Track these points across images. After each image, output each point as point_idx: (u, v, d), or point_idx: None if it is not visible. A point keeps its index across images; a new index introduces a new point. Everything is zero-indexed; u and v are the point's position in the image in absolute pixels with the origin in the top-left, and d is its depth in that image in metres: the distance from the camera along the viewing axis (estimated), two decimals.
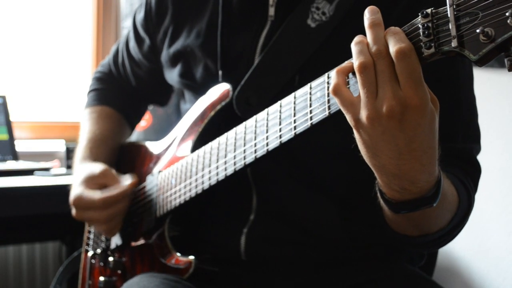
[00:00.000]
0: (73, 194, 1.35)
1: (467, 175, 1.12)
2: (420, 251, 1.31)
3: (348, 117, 0.85)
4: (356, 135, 0.86)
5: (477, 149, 1.17)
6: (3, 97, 2.56)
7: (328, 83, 0.93)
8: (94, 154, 1.47)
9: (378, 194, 0.95)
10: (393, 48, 0.81)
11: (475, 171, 1.16)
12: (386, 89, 0.81)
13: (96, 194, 1.32)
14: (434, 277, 1.36)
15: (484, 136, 1.19)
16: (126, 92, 1.61)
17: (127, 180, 1.35)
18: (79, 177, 1.37)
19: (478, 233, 2.22)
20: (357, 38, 0.85)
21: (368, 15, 0.84)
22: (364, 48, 0.83)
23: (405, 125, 0.81)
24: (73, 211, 1.37)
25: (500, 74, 2.22)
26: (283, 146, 1.01)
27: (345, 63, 0.88)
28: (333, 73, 0.88)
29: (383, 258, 1.22)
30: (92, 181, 1.35)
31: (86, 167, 1.40)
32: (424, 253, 1.30)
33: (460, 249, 2.30)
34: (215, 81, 1.26)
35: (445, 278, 2.31)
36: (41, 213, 2.14)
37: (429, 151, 0.85)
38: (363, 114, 0.83)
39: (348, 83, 0.87)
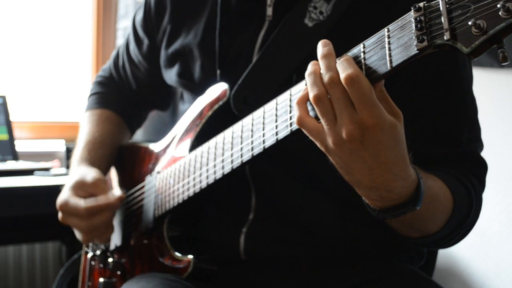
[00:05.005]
0: (61, 198, 1.35)
1: (470, 174, 1.12)
2: (430, 249, 1.33)
3: (318, 144, 0.90)
4: (329, 157, 0.91)
5: (480, 145, 1.19)
6: (3, 97, 2.57)
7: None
8: (92, 157, 1.46)
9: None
10: (342, 75, 0.85)
11: (480, 168, 1.17)
12: (343, 115, 0.85)
13: (81, 202, 1.31)
14: (434, 277, 1.36)
15: (484, 136, 1.20)
16: (127, 96, 1.61)
17: (114, 193, 1.34)
18: (70, 181, 1.37)
19: (478, 233, 2.22)
20: (309, 68, 0.90)
21: (320, 47, 0.89)
22: (317, 79, 0.88)
23: (367, 144, 0.85)
24: (59, 215, 1.36)
25: (500, 74, 2.22)
26: (279, 143, 1.02)
27: (303, 92, 0.92)
28: (293, 105, 0.93)
29: (383, 258, 1.22)
30: (81, 188, 1.34)
31: (80, 171, 1.39)
32: (424, 253, 1.30)
33: (460, 249, 2.30)
34: (213, 81, 1.26)
35: (445, 278, 2.31)
36: (41, 213, 2.14)
37: (397, 160, 0.88)
38: (329, 140, 0.87)
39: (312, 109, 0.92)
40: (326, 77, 0.86)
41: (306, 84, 0.91)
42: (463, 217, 1.09)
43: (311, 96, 0.88)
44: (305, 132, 0.91)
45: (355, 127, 0.84)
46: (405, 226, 1.05)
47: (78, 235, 1.38)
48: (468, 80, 1.18)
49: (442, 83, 1.14)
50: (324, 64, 0.87)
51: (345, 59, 0.86)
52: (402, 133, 0.88)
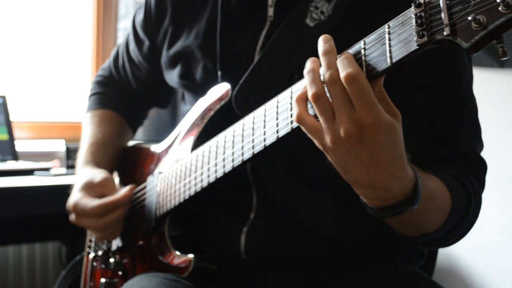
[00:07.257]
0: (72, 199, 1.36)
1: (469, 174, 1.13)
2: (429, 248, 1.33)
3: (316, 142, 0.90)
4: (326, 155, 0.91)
5: (480, 146, 1.19)
6: (3, 97, 2.57)
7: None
8: (96, 158, 1.47)
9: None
10: (342, 73, 0.85)
11: (480, 168, 1.17)
12: (341, 113, 0.85)
13: (94, 202, 1.32)
14: (434, 277, 1.36)
15: (484, 136, 1.20)
16: (127, 95, 1.62)
17: (124, 189, 1.35)
18: (79, 183, 1.38)
19: (478, 233, 2.22)
20: (308, 66, 0.90)
21: (321, 43, 0.89)
22: (316, 77, 0.88)
23: (365, 143, 0.86)
24: (71, 217, 1.37)
25: (500, 74, 2.22)
26: (280, 141, 1.02)
27: (302, 89, 0.92)
28: (293, 103, 0.93)
29: (383, 258, 1.23)
30: (91, 189, 1.35)
31: (87, 173, 1.40)
32: (424, 253, 1.30)
33: (460, 249, 2.30)
34: (214, 82, 1.27)
35: (445, 278, 2.31)
36: (41, 213, 2.14)
37: (395, 160, 0.89)
38: (327, 138, 0.88)
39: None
40: (326, 75, 0.86)
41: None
42: (461, 216, 1.09)
43: (310, 94, 0.88)
44: (303, 129, 0.91)
45: (353, 126, 0.84)
46: (403, 225, 1.06)
47: (92, 233, 1.39)
48: (468, 80, 1.18)
49: (441, 84, 1.15)
50: (325, 61, 0.88)
51: (346, 57, 0.87)
52: (400, 133, 0.88)
